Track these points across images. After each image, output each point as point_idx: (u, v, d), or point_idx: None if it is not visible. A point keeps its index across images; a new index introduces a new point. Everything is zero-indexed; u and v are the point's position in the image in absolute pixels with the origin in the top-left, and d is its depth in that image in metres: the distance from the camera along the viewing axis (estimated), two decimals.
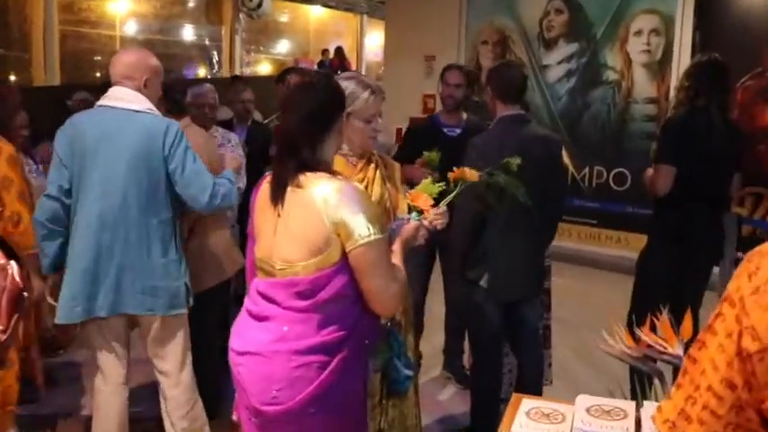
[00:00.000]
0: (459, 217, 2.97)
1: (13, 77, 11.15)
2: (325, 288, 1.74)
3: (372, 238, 1.74)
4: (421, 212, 2.10)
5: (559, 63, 7.03)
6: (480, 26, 7.58)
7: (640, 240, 6.29)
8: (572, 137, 6.93)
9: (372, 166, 2.34)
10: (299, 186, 1.75)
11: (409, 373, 2.31)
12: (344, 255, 1.75)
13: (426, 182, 2.18)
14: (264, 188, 1.86)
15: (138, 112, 2.60)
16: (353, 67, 17.08)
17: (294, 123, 1.78)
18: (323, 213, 1.72)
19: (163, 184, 2.60)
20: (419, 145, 3.07)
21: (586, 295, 5.63)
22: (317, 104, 1.78)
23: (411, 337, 2.44)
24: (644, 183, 3.42)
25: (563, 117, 7.03)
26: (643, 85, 6.52)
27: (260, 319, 1.80)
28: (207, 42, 14.93)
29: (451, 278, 3.69)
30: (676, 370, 1.54)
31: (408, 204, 2.15)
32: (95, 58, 13.20)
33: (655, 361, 1.72)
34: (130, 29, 13.68)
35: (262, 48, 16.61)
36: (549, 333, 3.52)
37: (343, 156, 2.28)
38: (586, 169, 6.88)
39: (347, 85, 2.19)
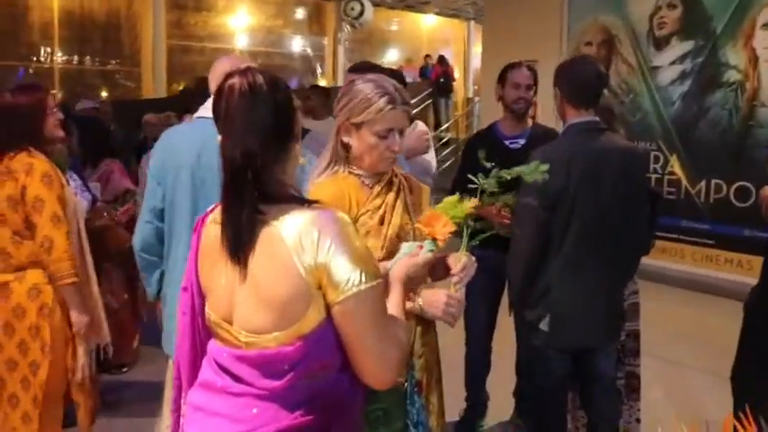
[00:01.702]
0: (515, 243, 2.49)
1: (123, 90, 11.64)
2: (305, 361, 1.30)
3: (363, 287, 1.28)
4: (435, 241, 1.62)
5: (672, 64, 6.26)
6: (583, 26, 6.94)
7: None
8: (686, 146, 6.16)
9: (394, 190, 1.91)
10: (262, 223, 1.30)
11: None
12: (328, 310, 1.30)
13: (451, 199, 1.68)
14: (211, 230, 1.42)
15: None
16: (459, 74, 16.65)
17: (247, 142, 1.30)
18: (295, 258, 1.27)
19: None
20: (478, 160, 2.60)
21: (697, 328, 4.90)
22: (274, 112, 1.32)
23: (435, 398, 1.98)
24: (760, 204, 2.77)
25: (676, 124, 6.25)
26: None
27: (225, 394, 1.36)
28: (310, 53, 14.98)
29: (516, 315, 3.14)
30: None
31: (418, 228, 1.69)
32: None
33: None
34: (235, 41, 13.95)
35: (367, 57, 16.50)
36: (637, 383, 2.94)
37: (357, 176, 1.87)
38: (702, 183, 6.07)
39: (363, 89, 1.80)
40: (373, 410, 1.71)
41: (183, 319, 1.51)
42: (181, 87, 12.44)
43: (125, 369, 4.22)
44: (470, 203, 1.67)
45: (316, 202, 1.38)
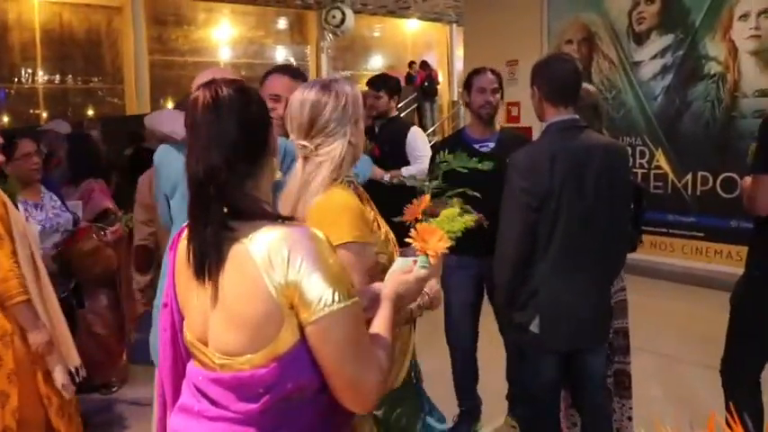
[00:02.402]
0: (501, 245, 2.46)
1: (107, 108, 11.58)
2: (280, 384, 1.24)
3: (336, 306, 1.21)
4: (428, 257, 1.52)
5: (653, 58, 6.29)
6: (563, 24, 6.97)
7: None
8: (671, 140, 6.18)
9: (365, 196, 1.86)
10: (231, 240, 1.25)
11: (444, 427, 1.90)
12: (302, 332, 1.24)
13: (451, 211, 1.61)
14: (185, 247, 1.36)
15: None
16: (443, 78, 16.66)
17: (210, 157, 1.24)
18: (265, 277, 1.21)
19: None
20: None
21: (688, 320, 4.89)
22: (240, 126, 1.27)
23: None
24: (742, 196, 2.76)
25: (660, 118, 6.28)
26: (752, 76, 5.68)
27: (203, 418, 1.32)
28: (294, 62, 14.97)
29: (504, 319, 3.10)
30: None
31: (407, 242, 1.57)
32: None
33: None
34: (218, 54, 13.93)
35: (350, 65, 16.49)
36: (628, 381, 2.91)
37: (350, 181, 1.76)
38: (689, 176, 6.08)
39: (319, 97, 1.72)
40: (395, 415, 1.72)
41: (163, 336, 1.46)
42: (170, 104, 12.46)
43: (114, 388, 4.16)
44: (471, 218, 1.60)
45: (290, 218, 1.34)
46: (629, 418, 2.89)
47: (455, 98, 16.35)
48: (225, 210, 1.26)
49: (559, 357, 2.50)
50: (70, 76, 12.49)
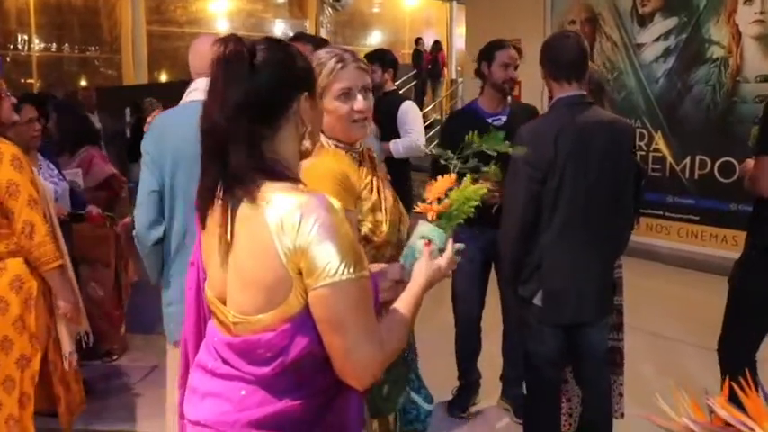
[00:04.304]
0: (506, 217, 2.48)
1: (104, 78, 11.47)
2: (288, 348, 1.24)
3: (342, 277, 1.20)
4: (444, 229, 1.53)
5: (656, 41, 6.28)
6: (567, 4, 6.94)
7: None
8: (671, 123, 6.19)
9: (374, 165, 1.86)
10: (246, 202, 1.24)
11: (430, 407, 1.90)
12: (307, 298, 1.24)
13: (466, 184, 1.59)
14: (216, 208, 1.36)
15: None
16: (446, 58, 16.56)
17: (222, 111, 1.22)
18: (276, 241, 1.20)
19: None
20: (461, 137, 2.56)
21: (683, 302, 4.94)
22: (258, 84, 1.24)
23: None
24: (743, 178, 2.78)
25: (661, 101, 6.28)
26: (755, 62, 5.67)
27: (216, 375, 1.34)
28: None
29: (510, 295, 3.08)
30: None
31: (426, 220, 1.56)
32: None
33: None
34: (215, 26, 13.80)
35: (349, 40, 16.36)
36: (621, 358, 2.94)
37: (344, 150, 1.78)
38: (687, 159, 6.11)
39: (315, 56, 1.73)
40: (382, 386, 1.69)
41: (188, 294, 1.49)
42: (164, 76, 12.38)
43: (115, 357, 4.19)
44: (482, 186, 1.60)
45: (304, 184, 1.32)
46: (620, 395, 2.93)
47: (453, 77, 16.26)
48: (228, 167, 1.25)
49: (562, 331, 2.53)
50: (66, 44, 12.36)
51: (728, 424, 1.18)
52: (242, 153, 1.24)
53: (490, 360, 3.55)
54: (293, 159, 1.35)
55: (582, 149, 2.34)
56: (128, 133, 7.60)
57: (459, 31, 17.53)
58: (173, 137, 2.30)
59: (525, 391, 2.75)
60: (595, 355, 2.59)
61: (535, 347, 2.59)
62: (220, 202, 1.31)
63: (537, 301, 2.48)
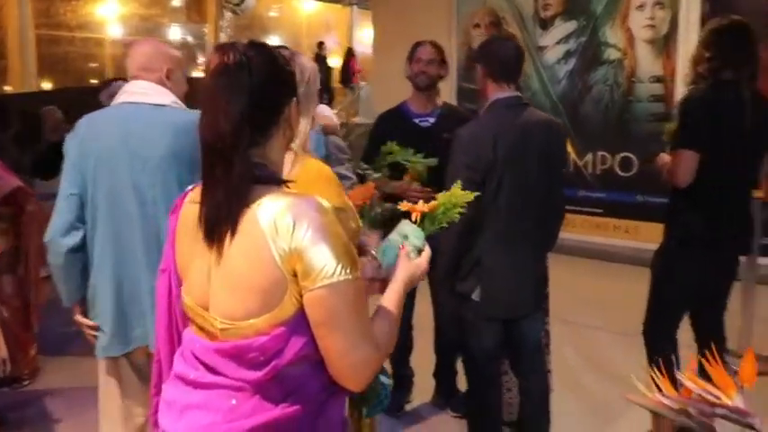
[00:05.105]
0: None
1: None
2: (282, 352, 1.24)
3: (340, 278, 1.21)
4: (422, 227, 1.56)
5: (557, 43, 6.58)
6: (472, 8, 7.15)
7: (650, 230, 5.95)
8: (573, 122, 6.49)
9: None
10: (241, 205, 1.24)
11: (390, 381, 1.87)
12: (302, 300, 1.24)
13: (454, 190, 1.62)
14: (189, 210, 1.35)
15: (162, 106, 2.24)
16: (341, 60, 16.63)
17: (227, 121, 1.22)
18: (270, 243, 1.21)
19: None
20: (387, 138, 2.63)
21: (593, 291, 5.21)
22: (253, 93, 1.23)
23: None
24: (658, 170, 2.98)
25: (563, 101, 6.58)
26: (648, 63, 6.06)
27: (199, 386, 1.30)
28: (191, 41, 14.48)
29: (442, 290, 3.17)
30: None
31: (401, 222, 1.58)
32: (91, 64, 12.90)
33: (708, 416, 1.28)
34: (112, 31, 13.27)
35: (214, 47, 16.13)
36: (548, 338, 3.10)
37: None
38: (589, 156, 6.44)
39: (302, 63, 1.77)
40: None
41: (160, 302, 1.45)
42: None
43: (25, 382, 3.94)
44: (471, 193, 1.63)
45: (293, 185, 1.33)
46: (549, 371, 3.07)
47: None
48: (232, 174, 1.23)
49: (500, 324, 2.62)
50: None
51: (698, 395, 1.28)
52: (245, 162, 1.23)
53: (423, 357, 3.61)
54: (280, 164, 1.35)
55: (520, 149, 2.44)
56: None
57: (360, 36, 17.69)
58: (98, 140, 2.21)
59: (465, 386, 2.82)
60: (532, 345, 2.70)
61: (474, 342, 2.67)
62: (199, 205, 1.28)
63: (475, 297, 2.56)
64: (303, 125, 1.75)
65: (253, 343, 1.23)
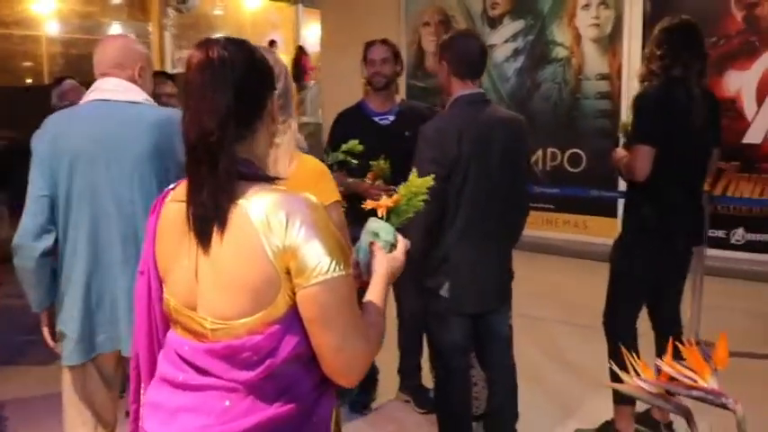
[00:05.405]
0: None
1: None
2: (277, 350, 1.23)
3: (333, 275, 1.21)
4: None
5: (506, 42, 6.70)
6: (421, 7, 7.21)
7: (601, 224, 6.12)
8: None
9: None
10: (230, 202, 1.22)
11: None
12: (295, 298, 1.23)
13: (412, 179, 1.61)
14: (171, 209, 1.33)
15: (137, 103, 2.20)
16: (288, 58, 16.50)
17: (202, 120, 1.21)
18: (263, 240, 1.19)
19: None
20: (347, 137, 2.63)
21: (547, 285, 5.31)
22: (236, 88, 1.22)
23: None
24: (613, 165, 3.07)
25: (512, 98, 6.70)
26: (594, 61, 6.24)
27: (189, 389, 1.27)
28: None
29: (405, 287, 3.20)
30: None
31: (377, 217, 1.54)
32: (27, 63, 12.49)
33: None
34: (42, 28, 12.86)
35: (194, 43, 15.83)
36: (510, 333, 3.15)
37: None
38: (540, 152, 6.57)
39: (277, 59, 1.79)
40: None
41: (139, 305, 1.41)
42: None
43: None
44: (429, 178, 1.62)
45: (281, 182, 1.31)
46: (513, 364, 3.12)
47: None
48: (219, 171, 1.22)
49: (468, 319, 2.66)
50: None
51: (674, 378, 1.33)
52: (231, 158, 1.22)
53: (387, 354, 3.61)
54: (265, 159, 1.34)
55: (484, 146, 2.48)
56: None
57: (306, 34, 17.59)
58: (72, 138, 2.15)
59: (430, 382, 2.84)
60: (499, 338, 2.74)
61: (443, 337, 2.69)
62: (183, 204, 1.26)
63: (444, 292, 2.58)
64: (292, 122, 1.79)
65: (246, 342, 1.22)
